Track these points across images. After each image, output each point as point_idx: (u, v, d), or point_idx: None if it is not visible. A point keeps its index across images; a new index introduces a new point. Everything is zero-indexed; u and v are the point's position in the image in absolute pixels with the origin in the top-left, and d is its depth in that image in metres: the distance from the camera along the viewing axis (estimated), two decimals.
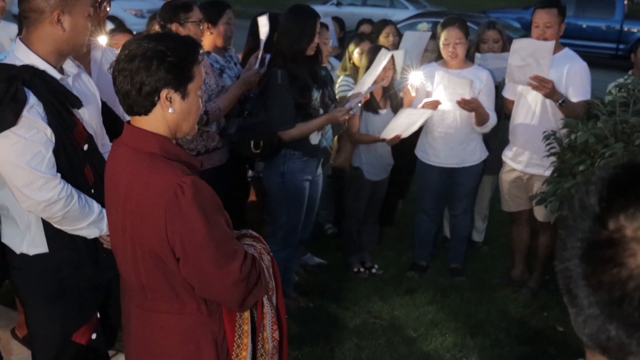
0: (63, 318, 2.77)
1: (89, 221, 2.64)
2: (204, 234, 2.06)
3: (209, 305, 2.22)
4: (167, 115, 2.13)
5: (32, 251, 2.70)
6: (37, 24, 2.55)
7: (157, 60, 2.07)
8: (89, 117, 2.72)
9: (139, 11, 16.46)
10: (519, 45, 4.46)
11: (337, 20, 6.92)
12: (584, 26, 16.83)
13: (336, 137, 5.16)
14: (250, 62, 4.28)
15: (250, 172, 5.10)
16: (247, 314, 2.31)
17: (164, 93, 2.10)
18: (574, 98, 4.50)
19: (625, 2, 17.97)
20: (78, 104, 2.61)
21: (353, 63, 5.35)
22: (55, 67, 2.60)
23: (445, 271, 5.38)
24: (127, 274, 2.27)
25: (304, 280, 5.11)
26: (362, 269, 5.33)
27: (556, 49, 4.57)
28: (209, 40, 4.47)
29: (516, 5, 20.32)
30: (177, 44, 2.13)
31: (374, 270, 5.34)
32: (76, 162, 2.61)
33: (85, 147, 2.64)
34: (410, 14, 16.90)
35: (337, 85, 5.22)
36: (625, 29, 17.11)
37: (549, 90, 4.37)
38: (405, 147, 5.23)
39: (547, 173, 4.39)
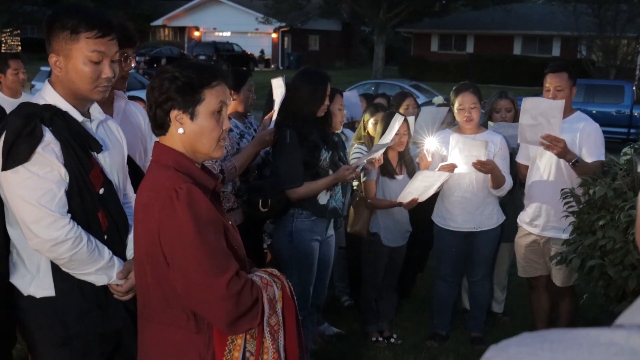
0: None
1: (97, 267, 2.58)
2: (192, 241, 2.11)
3: (198, 321, 2.22)
4: (179, 135, 2.24)
5: (39, 294, 2.63)
6: (51, 67, 2.60)
7: (168, 82, 2.22)
8: (111, 163, 2.71)
9: None
10: (530, 104, 4.47)
11: (366, 96, 7.24)
12: (594, 112, 16.98)
13: (352, 204, 5.17)
14: (265, 122, 4.34)
15: (266, 241, 5.08)
16: (240, 341, 2.24)
17: (173, 114, 2.24)
18: (588, 158, 4.50)
19: (634, 87, 18.24)
20: (97, 147, 2.61)
21: (367, 132, 5.40)
22: (77, 109, 2.61)
23: (466, 340, 5.26)
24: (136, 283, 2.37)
25: (322, 349, 5.00)
26: (380, 338, 5.21)
27: (569, 112, 4.62)
28: (231, 106, 4.56)
29: (524, 93, 20.64)
30: (191, 69, 2.26)
31: (392, 340, 5.23)
32: (90, 206, 2.58)
33: (101, 191, 2.61)
34: (420, 102, 17.17)
35: (350, 153, 5.26)
36: (636, 113, 17.30)
37: (561, 149, 4.36)
38: (424, 220, 5.22)
39: (564, 236, 4.35)
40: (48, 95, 2.60)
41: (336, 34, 48.62)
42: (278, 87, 4.33)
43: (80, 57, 2.51)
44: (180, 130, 2.24)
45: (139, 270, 2.31)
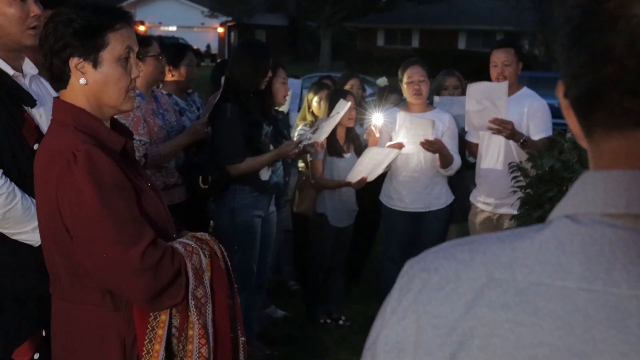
0: (2, 331, 2.48)
1: (33, 225, 2.38)
2: (96, 210, 1.88)
3: (115, 298, 1.99)
4: (82, 86, 2.01)
5: None
6: None
7: (63, 27, 1.97)
8: (47, 119, 2.53)
9: None
10: (474, 89, 4.43)
11: None
12: None
13: (298, 185, 5.08)
14: (210, 102, 4.20)
15: (212, 223, 4.93)
16: (164, 317, 2.02)
17: (72, 62, 1.99)
18: (536, 135, 4.49)
19: None
20: (31, 102, 2.47)
21: (312, 112, 5.30)
22: (8, 64, 2.46)
23: None
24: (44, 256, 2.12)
25: (268, 331, 4.89)
26: (328, 320, 5.13)
27: (515, 89, 4.60)
28: (170, 82, 4.43)
29: None
30: (88, 10, 2.00)
31: (341, 322, 5.15)
32: (23, 161, 2.42)
33: (36, 146, 2.44)
34: (367, 94, 17.21)
35: (295, 134, 5.15)
36: None
37: (509, 131, 4.33)
38: (371, 201, 5.14)
39: (516, 211, 4.32)
40: None
41: (282, 29, 48.42)
42: None
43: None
44: (82, 81, 1.99)
45: (44, 243, 2.07)
